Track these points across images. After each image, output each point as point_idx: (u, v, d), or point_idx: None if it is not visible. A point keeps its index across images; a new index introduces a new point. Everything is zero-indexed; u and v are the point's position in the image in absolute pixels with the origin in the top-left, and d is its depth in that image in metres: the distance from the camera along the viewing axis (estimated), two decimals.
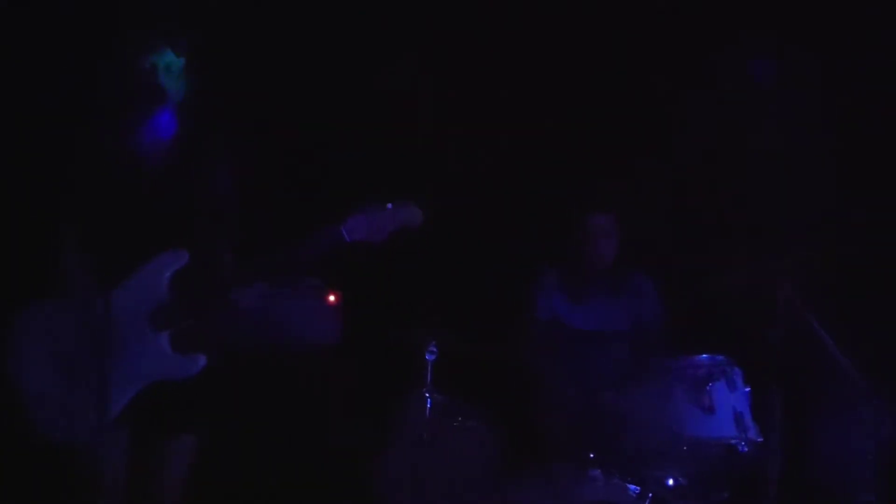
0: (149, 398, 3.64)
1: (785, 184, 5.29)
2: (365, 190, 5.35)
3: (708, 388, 4.36)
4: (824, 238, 4.88)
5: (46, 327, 3.69)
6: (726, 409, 4.37)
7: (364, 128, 5.52)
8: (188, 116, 3.78)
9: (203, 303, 3.64)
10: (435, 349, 4.59)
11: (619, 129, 5.51)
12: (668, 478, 4.47)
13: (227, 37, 4.85)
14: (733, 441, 4.36)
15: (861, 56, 5.18)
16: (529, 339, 4.96)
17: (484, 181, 5.56)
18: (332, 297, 5.28)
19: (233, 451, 5.11)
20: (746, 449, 4.36)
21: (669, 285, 5.05)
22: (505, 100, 5.50)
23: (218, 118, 3.86)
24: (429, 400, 4.57)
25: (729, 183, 5.36)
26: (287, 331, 5.20)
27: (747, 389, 4.47)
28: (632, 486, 4.39)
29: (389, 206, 3.57)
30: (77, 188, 3.75)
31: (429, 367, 4.59)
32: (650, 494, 4.37)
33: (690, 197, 5.45)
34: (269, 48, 5.26)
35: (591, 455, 4.45)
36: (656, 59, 5.45)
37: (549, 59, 5.51)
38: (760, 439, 4.38)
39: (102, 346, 3.55)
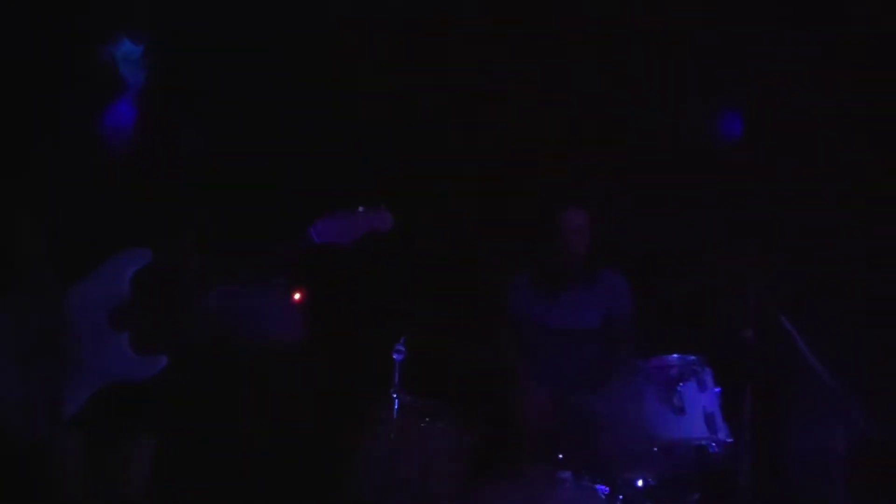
0: (108, 397, 3.56)
1: (759, 185, 5.29)
2: (333, 185, 5.36)
3: (678, 388, 4.34)
4: (796, 239, 4.89)
5: (3, 321, 3.60)
6: (697, 410, 4.36)
7: (335, 121, 5.46)
8: (148, 104, 3.72)
9: (165, 303, 3.58)
10: (402, 348, 4.52)
11: (594, 126, 5.49)
12: (637, 479, 4.45)
13: (190, 23, 4.77)
14: (704, 442, 4.35)
15: (837, 58, 5.18)
16: (501, 337, 4.93)
17: (454, 179, 5.52)
18: (297, 295, 5.22)
19: (196, 452, 5.05)
20: (717, 450, 4.35)
21: (642, 285, 5.03)
22: (478, 98, 5.47)
23: (179, 106, 3.79)
24: (396, 400, 4.49)
25: (703, 183, 5.35)
26: (250, 327, 5.14)
27: (718, 389, 4.45)
28: (601, 488, 4.37)
29: (361, 209, 3.52)
30: (36, 179, 3.67)
31: (396, 367, 4.52)
32: (620, 496, 4.35)
33: (664, 196, 5.44)
34: (236, 36, 5.18)
35: (561, 456, 4.43)
36: (631, 57, 5.43)
37: (523, 58, 5.48)
38: (731, 440, 4.37)
39: (60, 341, 3.49)
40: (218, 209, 3.87)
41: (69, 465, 3.59)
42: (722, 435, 4.36)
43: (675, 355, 4.43)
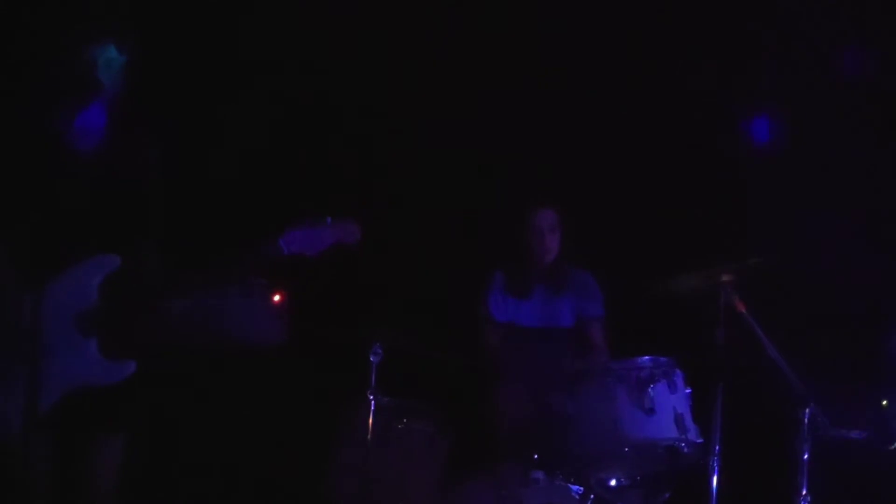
0: (75, 398, 3.55)
1: (730, 187, 5.35)
2: (304, 194, 5.39)
3: (649, 389, 4.39)
4: (767, 242, 4.94)
5: None
6: (667, 411, 4.41)
7: (307, 122, 5.49)
8: (119, 108, 3.71)
9: (132, 309, 3.59)
10: (379, 350, 4.57)
11: (564, 127, 5.53)
12: (610, 479, 4.54)
13: (169, 35, 4.80)
14: (674, 442, 4.40)
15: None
16: (485, 342, 4.99)
17: (429, 180, 5.56)
18: (276, 297, 5.25)
19: (170, 453, 5.09)
20: (687, 450, 4.41)
21: (614, 286, 5.09)
22: (450, 98, 5.50)
23: (150, 113, 3.81)
24: (373, 402, 4.54)
25: (675, 184, 5.41)
26: (231, 330, 5.16)
27: (688, 391, 4.51)
28: (574, 487, 4.44)
29: (329, 220, 3.58)
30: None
31: (373, 369, 4.57)
32: (592, 496, 4.42)
33: (636, 196, 5.49)
34: (212, 48, 5.21)
35: (535, 456, 4.49)
36: (602, 54, 5.47)
37: (493, 58, 5.51)
38: (700, 440, 4.42)
39: (27, 347, 3.46)
40: (186, 217, 3.91)
41: (38, 468, 3.56)
42: (692, 435, 4.41)
43: (646, 357, 4.47)
